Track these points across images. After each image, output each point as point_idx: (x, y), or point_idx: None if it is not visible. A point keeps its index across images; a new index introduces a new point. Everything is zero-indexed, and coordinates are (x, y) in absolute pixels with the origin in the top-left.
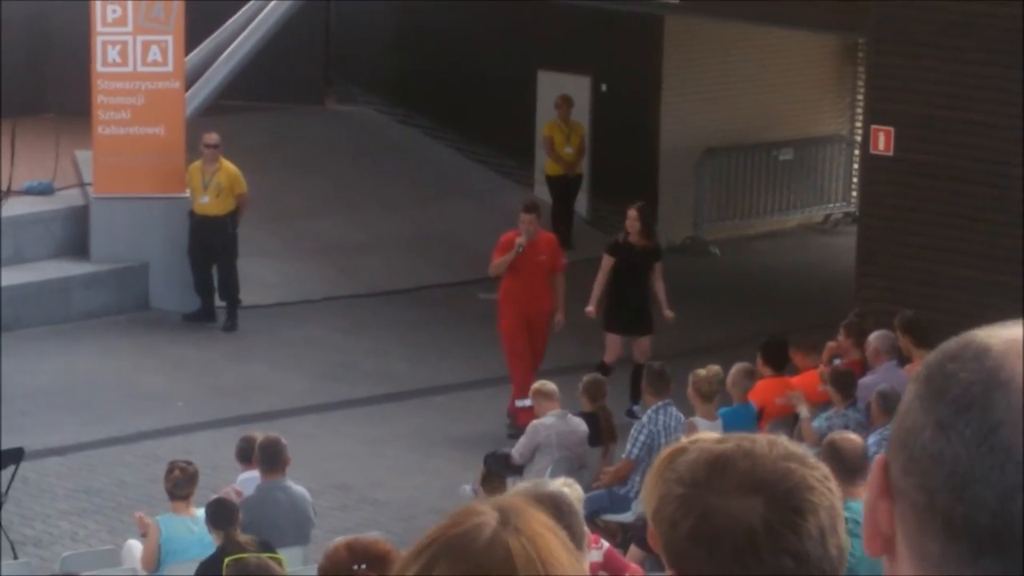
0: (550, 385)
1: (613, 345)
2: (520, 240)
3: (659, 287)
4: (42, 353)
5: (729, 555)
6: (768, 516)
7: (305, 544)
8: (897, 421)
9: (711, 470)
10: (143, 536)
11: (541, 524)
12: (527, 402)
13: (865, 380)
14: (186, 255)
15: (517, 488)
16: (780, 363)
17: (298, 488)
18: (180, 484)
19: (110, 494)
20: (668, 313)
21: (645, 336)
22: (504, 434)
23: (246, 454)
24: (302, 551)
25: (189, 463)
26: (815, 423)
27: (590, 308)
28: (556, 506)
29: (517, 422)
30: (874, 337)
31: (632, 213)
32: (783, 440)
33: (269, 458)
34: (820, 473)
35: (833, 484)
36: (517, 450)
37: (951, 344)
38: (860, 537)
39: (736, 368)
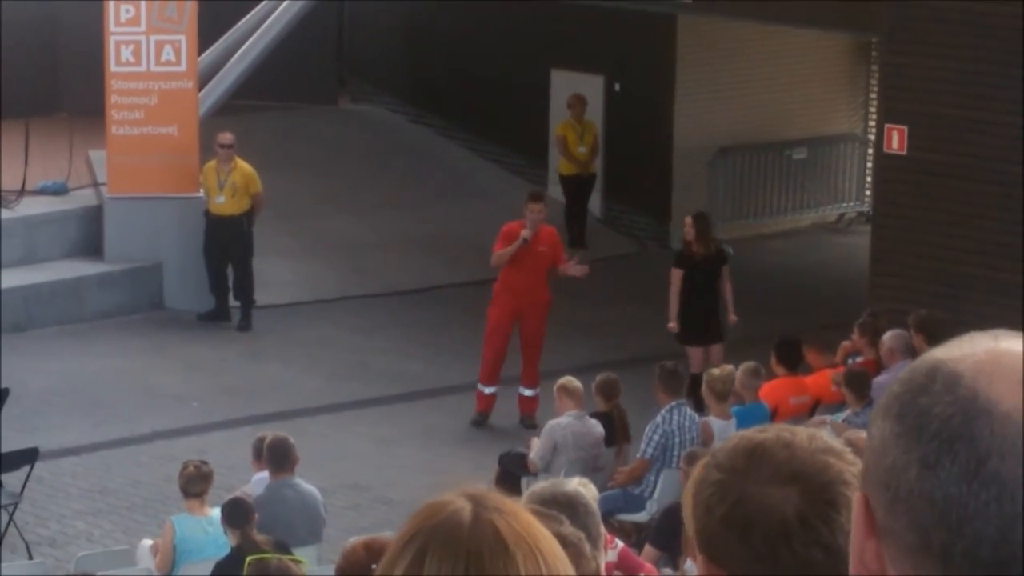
0: (575, 383)
1: (695, 355)
2: (526, 232)
3: (726, 290)
4: (56, 353)
5: (760, 543)
6: (802, 507)
7: (317, 542)
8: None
9: (749, 458)
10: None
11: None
12: (488, 390)
13: (880, 379)
14: (200, 255)
15: (533, 488)
16: (793, 362)
17: (308, 486)
18: (193, 480)
19: (125, 494)
20: (733, 317)
21: (718, 343)
22: (518, 433)
23: (261, 454)
24: (316, 550)
25: (204, 462)
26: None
27: (672, 324)
28: (572, 506)
29: (477, 407)
30: (888, 336)
31: (687, 220)
32: (823, 434)
33: (277, 458)
34: (857, 469)
35: None
36: (537, 454)
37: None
38: None
39: (742, 368)
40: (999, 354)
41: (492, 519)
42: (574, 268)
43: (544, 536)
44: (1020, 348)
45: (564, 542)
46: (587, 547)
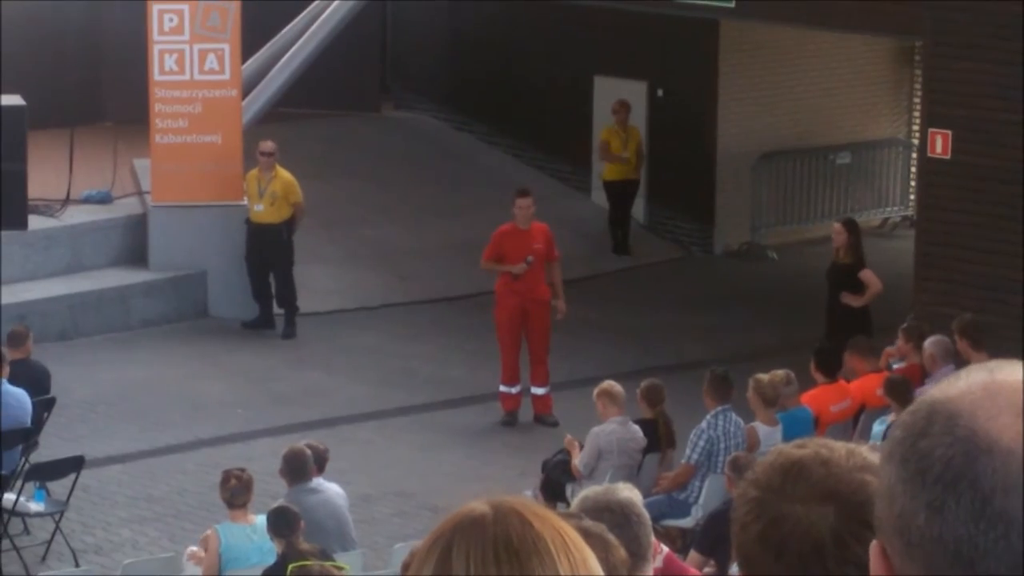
0: (617, 387)
1: None
2: (527, 262)
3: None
4: (101, 361)
5: (795, 561)
6: (837, 526)
7: (348, 539)
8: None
9: (785, 476)
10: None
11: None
12: (513, 389)
13: (924, 388)
14: (244, 263)
15: (585, 494)
16: (833, 369)
17: (329, 484)
18: (237, 492)
19: (170, 502)
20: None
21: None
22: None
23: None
24: (360, 557)
25: (243, 470)
26: (875, 428)
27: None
28: (625, 515)
29: (503, 407)
30: (930, 343)
31: (837, 227)
32: (863, 450)
33: (294, 469)
34: None
35: None
36: (582, 461)
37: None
38: None
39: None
40: (996, 388)
41: (515, 509)
42: (560, 306)
43: (567, 526)
44: (1017, 378)
45: (586, 534)
46: (610, 536)
